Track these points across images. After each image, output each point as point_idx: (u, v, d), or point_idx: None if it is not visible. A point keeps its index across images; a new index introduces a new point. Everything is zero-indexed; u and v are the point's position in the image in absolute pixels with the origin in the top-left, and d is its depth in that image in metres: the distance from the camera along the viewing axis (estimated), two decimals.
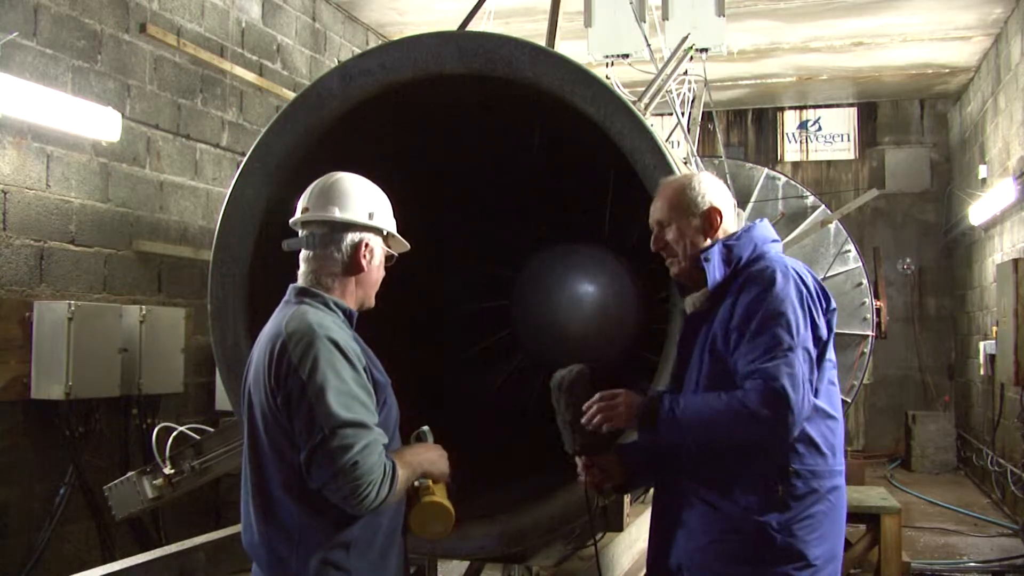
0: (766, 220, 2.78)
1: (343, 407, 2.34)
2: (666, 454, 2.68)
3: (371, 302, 2.74)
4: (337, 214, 2.63)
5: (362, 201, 2.68)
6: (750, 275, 2.55)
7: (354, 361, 2.44)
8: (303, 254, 2.68)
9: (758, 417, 2.35)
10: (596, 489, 2.86)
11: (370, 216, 2.67)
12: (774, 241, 2.70)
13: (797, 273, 2.54)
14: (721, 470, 2.52)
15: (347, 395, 2.37)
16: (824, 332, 2.52)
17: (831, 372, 2.58)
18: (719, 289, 2.61)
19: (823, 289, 2.58)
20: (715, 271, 2.60)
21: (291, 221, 2.74)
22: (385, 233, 2.72)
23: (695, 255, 2.64)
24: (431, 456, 2.67)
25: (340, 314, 2.58)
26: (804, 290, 2.50)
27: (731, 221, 2.70)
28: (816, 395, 2.48)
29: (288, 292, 2.67)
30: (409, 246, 2.81)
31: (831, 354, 2.57)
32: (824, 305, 2.55)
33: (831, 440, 2.52)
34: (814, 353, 2.45)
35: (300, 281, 2.67)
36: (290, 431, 2.39)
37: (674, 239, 2.69)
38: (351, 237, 2.63)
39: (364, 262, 2.64)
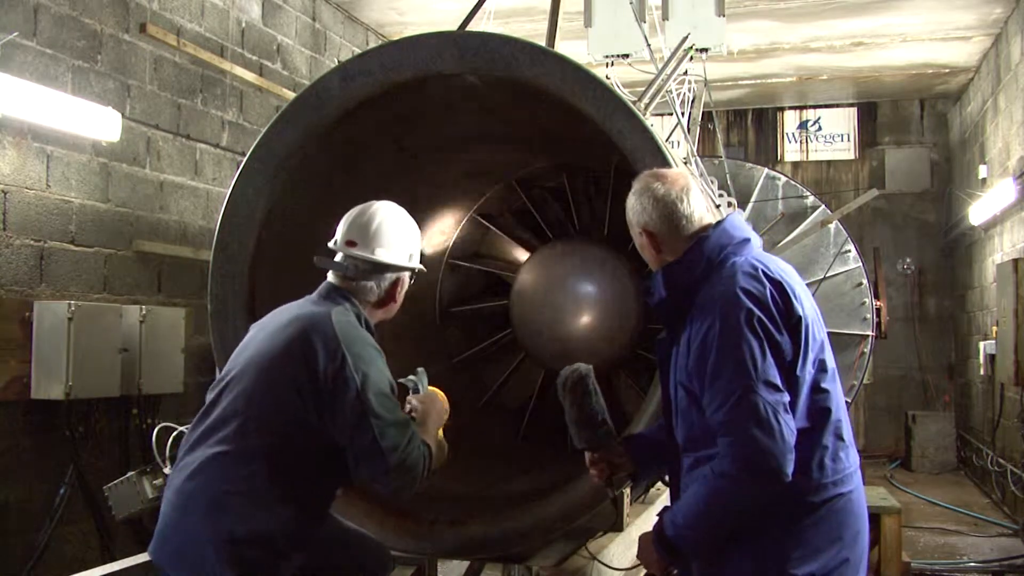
0: (732, 217, 2.62)
1: (388, 410, 2.66)
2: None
3: (389, 318, 3.03)
4: (383, 257, 2.89)
5: (404, 243, 2.96)
6: (700, 301, 2.43)
7: (387, 369, 2.76)
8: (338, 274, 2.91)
9: (742, 480, 2.27)
10: (605, 482, 2.87)
11: (409, 258, 2.97)
12: (741, 241, 2.53)
13: (751, 287, 2.36)
14: None
15: (389, 398, 2.69)
16: (788, 349, 2.35)
17: (811, 381, 2.41)
18: (678, 312, 2.51)
19: (785, 296, 2.39)
20: (656, 296, 2.55)
21: (331, 244, 2.94)
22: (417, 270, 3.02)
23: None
24: (437, 416, 3.00)
25: (366, 329, 2.85)
26: (757, 311, 2.33)
27: (687, 229, 2.53)
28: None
29: (325, 287, 2.90)
30: (426, 269, 3.10)
31: (806, 368, 2.39)
32: (784, 316, 2.36)
33: (808, 456, 2.36)
34: (779, 379, 2.30)
35: (339, 283, 2.89)
36: (316, 404, 2.64)
37: (643, 256, 2.66)
38: (390, 276, 2.93)
39: (397, 295, 2.98)
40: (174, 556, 2.64)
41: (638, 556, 2.64)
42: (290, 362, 2.67)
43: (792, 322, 2.38)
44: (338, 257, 2.91)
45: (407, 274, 2.98)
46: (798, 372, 2.37)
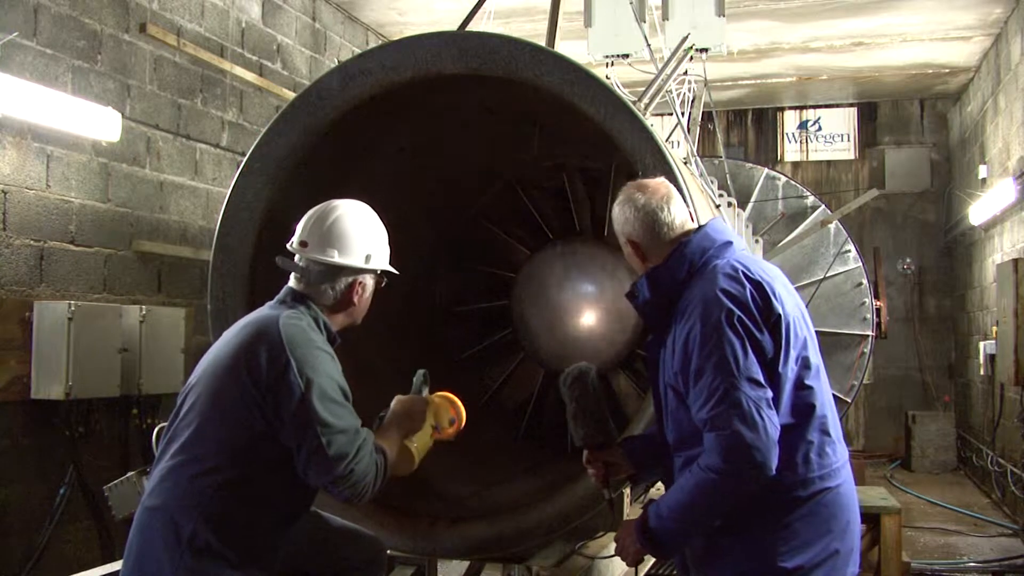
0: (714, 221, 2.68)
1: (337, 416, 2.54)
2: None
3: (357, 323, 2.89)
4: (336, 258, 2.74)
5: (361, 244, 2.79)
6: (683, 304, 2.50)
7: (339, 374, 2.64)
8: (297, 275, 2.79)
9: (728, 473, 2.31)
10: (602, 483, 2.88)
11: (367, 259, 2.80)
12: (723, 244, 2.58)
13: (730, 288, 2.42)
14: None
15: (339, 404, 2.57)
16: (769, 347, 2.40)
17: (795, 378, 2.45)
18: (663, 315, 2.58)
19: (765, 296, 2.44)
20: (641, 299, 2.62)
21: (288, 246, 2.82)
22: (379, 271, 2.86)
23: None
24: (409, 421, 2.89)
25: (324, 334, 2.73)
26: (737, 311, 2.38)
27: (668, 237, 2.60)
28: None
29: (284, 292, 2.77)
30: (398, 272, 2.93)
31: (788, 365, 2.43)
32: (764, 314, 2.41)
33: (793, 451, 2.41)
34: (762, 375, 2.36)
35: (296, 286, 2.77)
36: (261, 409, 2.54)
37: (630, 263, 2.74)
38: (346, 280, 2.77)
39: (355, 298, 2.81)
40: None
41: (616, 545, 2.67)
42: (236, 368, 2.58)
43: (772, 320, 2.44)
44: (296, 259, 2.79)
45: (368, 276, 2.83)
46: (780, 369, 2.42)
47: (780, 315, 2.44)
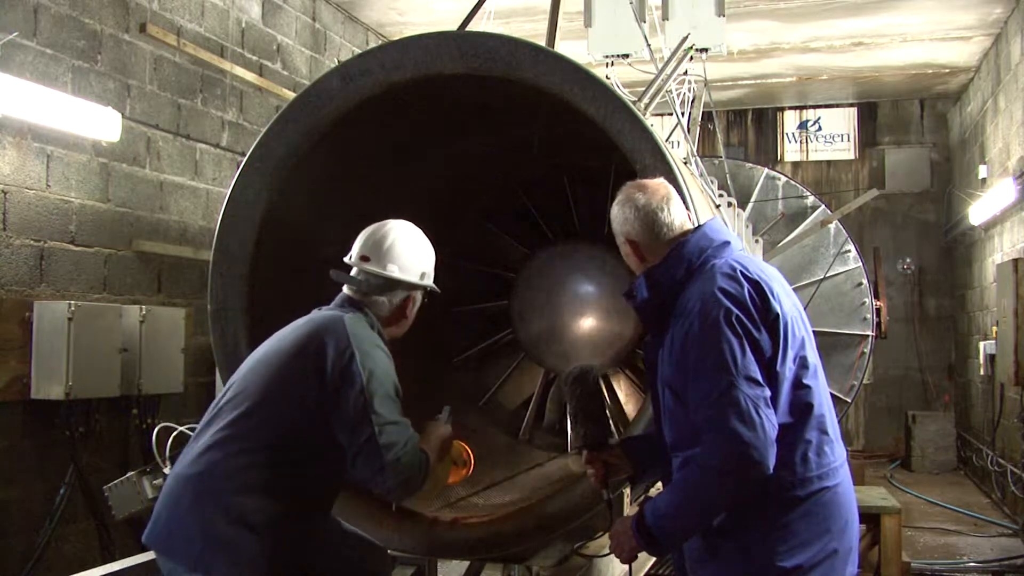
0: (712, 221, 2.69)
1: (390, 410, 2.75)
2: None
3: (400, 336, 3.12)
4: (396, 273, 3.00)
5: (417, 262, 3.07)
6: (681, 303, 2.50)
7: (394, 373, 2.86)
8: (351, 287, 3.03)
9: (725, 472, 2.31)
10: (600, 484, 2.89)
11: (422, 276, 3.09)
12: (720, 244, 2.59)
13: (728, 287, 2.42)
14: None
15: (393, 400, 2.78)
16: (767, 346, 2.40)
17: (792, 377, 2.45)
18: (661, 315, 2.58)
19: (763, 295, 2.44)
20: (638, 298, 2.62)
21: (347, 259, 3.04)
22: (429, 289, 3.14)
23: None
24: (440, 443, 3.05)
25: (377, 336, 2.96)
26: (735, 310, 2.39)
27: (667, 236, 2.62)
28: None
29: (341, 299, 3.03)
30: (439, 291, 3.20)
31: (786, 364, 2.43)
32: (762, 313, 2.42)
33: (791, 450, 2.41)
34: (760, 374, 2.35)
35: (353, 296, 3.00)
36: (320, 396, 2.72)
37: (629, 264, 2.74)
38: (402, 294, 3.04)
39: (408, 311, 3.09)
40: (164, 542, 2.68)
41: (610, 542, 2.67)
42: (301, 357, 2.77)
43: (770, 320, 2.44)
44: (353, 272, 3.02)
45: (419, 292, 3.10)
46: (778, 368, 2.42)
47: (778, 314, 2.45)
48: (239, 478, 2.65)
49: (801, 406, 2.46)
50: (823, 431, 2.49)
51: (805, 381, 2.48)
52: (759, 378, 2.36)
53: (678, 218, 2.66)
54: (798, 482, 2.43)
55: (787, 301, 2.53)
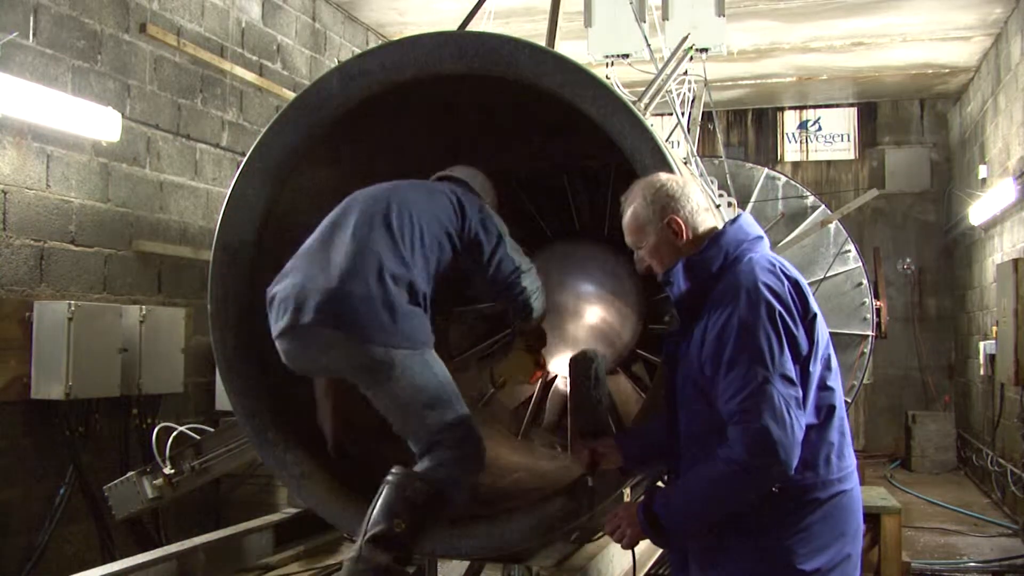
0: (745, 215, 2.66)
1: (518, 251, 3.52)
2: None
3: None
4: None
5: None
6: (718, 294, 2.45)
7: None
8: None
9: (749, 468, 2.28)
10: (589, 470, 2.89)
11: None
12: (755, 239, 2.57)
13: (770, 282, 2.40)
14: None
15: (516, 248, 3.50)
16: (804, 345, 2.39)
17: (819, 378, 2.44)
18: (693, 306, 2.52)
19: (801, 294, 2.44)
20: (676, 289, 2.54)
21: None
22: None
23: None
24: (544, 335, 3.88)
25: None
26: (777, 305, 2.36)
27: (701, 220, 2.58)
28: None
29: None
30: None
31: (817, 364, 2.43)
32: (801, 312, 2.41)
33: (815, 452, 2.40)
34: (795, 374, 2.33)
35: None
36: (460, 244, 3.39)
37: (652, 262, 2.63)
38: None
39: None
40: (312, 295, 3.01)
41: (608, 524, 2.62)
42: (442, 201, 3.35)
43: (808, 318, 2.42)
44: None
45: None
46: (811, 368, 2.40)
47: (816, 314, 2.43)
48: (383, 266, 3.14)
49: (826, 408, 2.45)
50: (843, 433, 2.48)
51: (829, 383, 2.47)
52: (794, 377, 2.33)
53: (701, 201, 2.64)
54: (820, 484, 2.41)
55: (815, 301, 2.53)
